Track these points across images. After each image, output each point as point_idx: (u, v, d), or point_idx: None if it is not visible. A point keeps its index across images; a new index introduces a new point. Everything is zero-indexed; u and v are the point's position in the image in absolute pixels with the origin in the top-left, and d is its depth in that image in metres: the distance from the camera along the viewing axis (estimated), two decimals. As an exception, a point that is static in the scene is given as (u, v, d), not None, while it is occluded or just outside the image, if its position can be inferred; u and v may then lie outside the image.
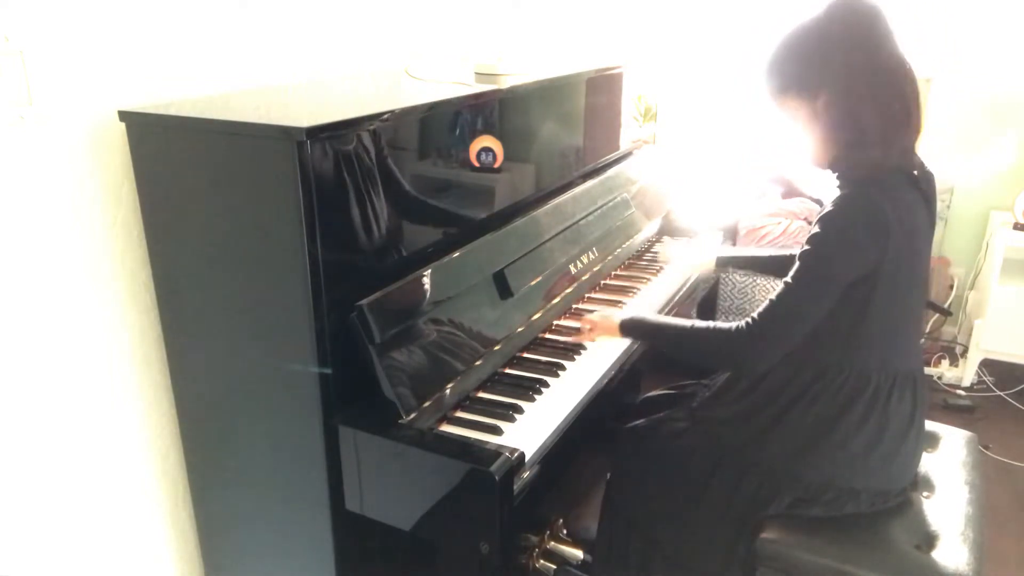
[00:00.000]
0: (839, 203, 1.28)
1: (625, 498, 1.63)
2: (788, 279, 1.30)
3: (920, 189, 1.33)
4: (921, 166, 1.35)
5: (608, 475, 1.70)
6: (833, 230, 1.27)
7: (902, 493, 1.44)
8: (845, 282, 1.28)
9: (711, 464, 1.47)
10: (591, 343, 1.58)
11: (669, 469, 1.54)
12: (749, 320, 1.32)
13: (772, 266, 1.82)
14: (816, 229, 1.29)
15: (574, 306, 1.75)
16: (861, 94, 1.24)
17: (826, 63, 1.25)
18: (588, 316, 1.62)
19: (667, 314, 1.80)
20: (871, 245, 1.25)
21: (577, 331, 1.62)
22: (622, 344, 1.59)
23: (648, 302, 1.81)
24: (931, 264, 1.52)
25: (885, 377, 1.35)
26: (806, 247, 1.29)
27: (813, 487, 1.39)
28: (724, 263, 1.93)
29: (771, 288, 2.71)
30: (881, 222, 1.24)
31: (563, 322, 1.68)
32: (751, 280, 2.79)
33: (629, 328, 1.54)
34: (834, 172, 1.34)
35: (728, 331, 1.34)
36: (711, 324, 1.38)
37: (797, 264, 1.30)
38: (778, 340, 1.32)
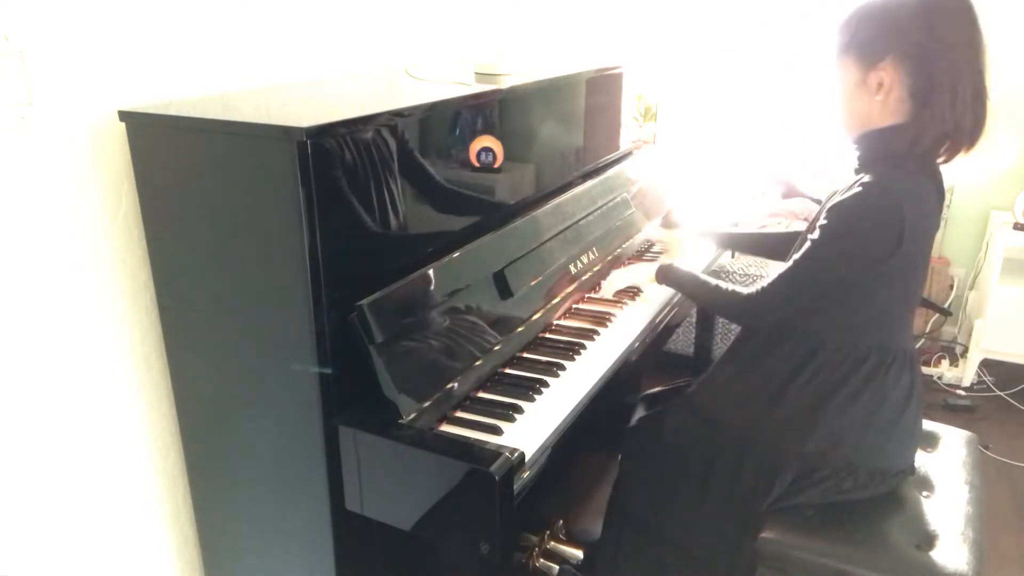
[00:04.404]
0: (855, 198, 1.28)
1: (634, 500, 1.63)
2: (795, 258, 1.36)
3: (936, 181, 1.36)
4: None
5: (615, 478, 1.70)
6: (842, 227, 1.29)
7: (900, 475, 1.45)
8: (843, 273, 1.32)
9: (712, 453, 1.48)
10: (591, 342, 1.58)
11: (673, 466, 1.54)
12: (756, 290, 1.42)
13: (770, 247, 1.88)
14: (827, 219, 1.31)
15: (574, 306, 1.75)
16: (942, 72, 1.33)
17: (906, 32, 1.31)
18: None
19: (669, 312, 1.81)
20: (878, 245, 1.27)
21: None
22: (623, 343, 1.59)
23: (650, 301, 1.81)
24: (931, 264, 1.55)
25: (883, 355, 1.38)
26: (814, 235, 1.32)
27: (812, 461, 1.40)
28: (724, 243, 2.03)
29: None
30: (895, 224, 1.25)
31: (563, 322, 1.68)
32: (751, 280, 2.80)
33: (663, 274, 1.69)
34: (857, 148, 1.37)
35: (738, 298, 1.46)
36: (728, 287, 1.51)
37: (804, 247, 1.34)
38: (772, 315, 1.44)
